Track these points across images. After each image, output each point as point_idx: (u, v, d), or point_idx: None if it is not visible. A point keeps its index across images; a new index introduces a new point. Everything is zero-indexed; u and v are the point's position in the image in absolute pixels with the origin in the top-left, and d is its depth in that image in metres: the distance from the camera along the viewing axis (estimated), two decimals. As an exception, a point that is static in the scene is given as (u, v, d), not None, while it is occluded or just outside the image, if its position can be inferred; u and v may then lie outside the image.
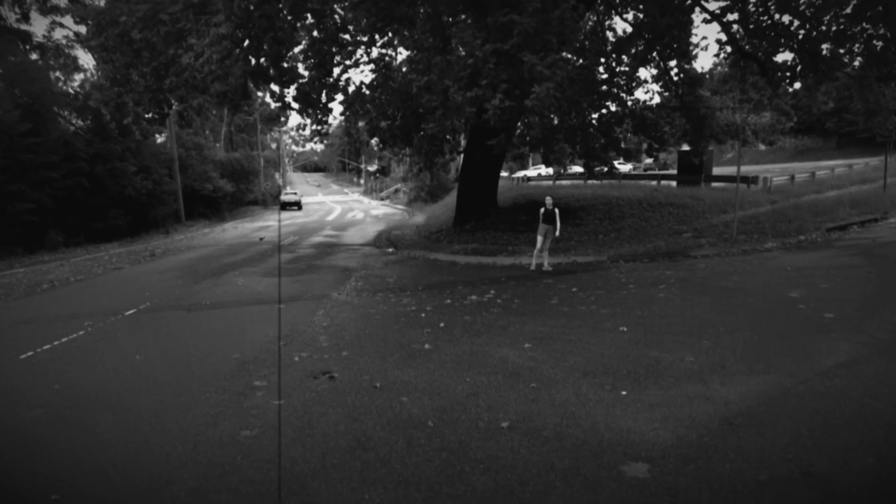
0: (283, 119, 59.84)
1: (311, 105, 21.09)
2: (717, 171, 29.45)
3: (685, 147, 24.92)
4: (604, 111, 20.15)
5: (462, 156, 20.72)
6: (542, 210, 12.62)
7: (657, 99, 21.40)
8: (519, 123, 22.37)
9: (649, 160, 51.95)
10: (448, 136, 21.17)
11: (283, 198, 45.71)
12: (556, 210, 12.61)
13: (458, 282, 11.30)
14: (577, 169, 33.00)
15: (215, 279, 12.51)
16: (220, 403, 4.99)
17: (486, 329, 7.27)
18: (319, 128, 21.64)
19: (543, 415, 4.54)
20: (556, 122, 21.18)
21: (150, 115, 16.49)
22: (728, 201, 21.02)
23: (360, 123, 20.86)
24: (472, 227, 18.90)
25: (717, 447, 3.90)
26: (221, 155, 38.40)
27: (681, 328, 7.00)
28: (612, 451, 3.90)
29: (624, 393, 4.95)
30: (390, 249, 18.28)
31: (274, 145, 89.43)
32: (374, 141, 20.96)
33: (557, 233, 12.70)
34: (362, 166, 74.06)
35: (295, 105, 23.63)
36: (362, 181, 75.09)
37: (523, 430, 4.27)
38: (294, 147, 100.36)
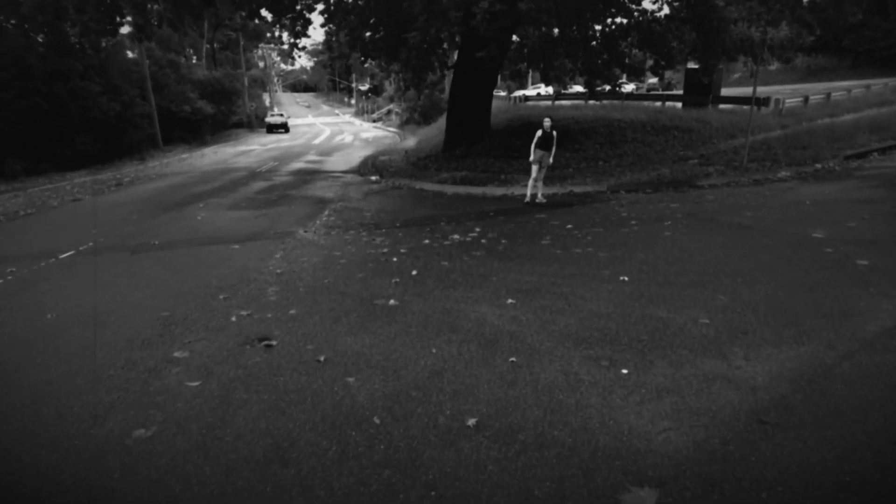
0: (269, 35, 56.34)
1: (283, 13, 19.12)
2: (724, 91, 27.62)
3: (692, 65, 23.11)
4: (608, 22, 18.23)
5: (452, 72, 18.94)
6: (539, 133, 11.22)
7: (666, 10, 19.41)
8: (515, 37, 20.44)
9: (653, 80, 49.36)
10: (438, 49, 19.35)
11: (269, 120, 43.56)
12: (555, 133, 11.25)
13: (441, 217, 10.17)
14: (578, 88, 31.00)
15: (177, 212, 11.34)
16: (121, 385, 3.99)
17: (465, 279, 6.21)
18: (297, 41, 19.81)
19: (522, 406, 3.56)
20: (555, 34, 19.33)
21: (97, 25, 14.60)
22: (737, 125, 19.56)
23: (342, 35, 18.91)
24: (462, 152, 17.50)
25: (748, 461, 2.94)
26: (201, 74, 35.95)
27: (691, 277, 5.96)
28: (609, 468, 2.93)
29: (625, 372, 3.96)
30: (374, 178, 16.99)
31: (262, 64, 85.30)
32: (356, 55, 19.08)
33: (552, 159, 11.43)
34: (353, 85, 70.73)
35: (267, 14, 21.54)
36: (353, 101, 71.98)
37: (495, 430, 3.30)
38: (283, 66, 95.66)
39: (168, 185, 16.03)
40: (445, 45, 19.26)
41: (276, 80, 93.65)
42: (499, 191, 13.19)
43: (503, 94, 54.36)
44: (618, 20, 18.88)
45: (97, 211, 12.19)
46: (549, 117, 12.24)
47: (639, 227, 8.49)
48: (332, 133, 41.63)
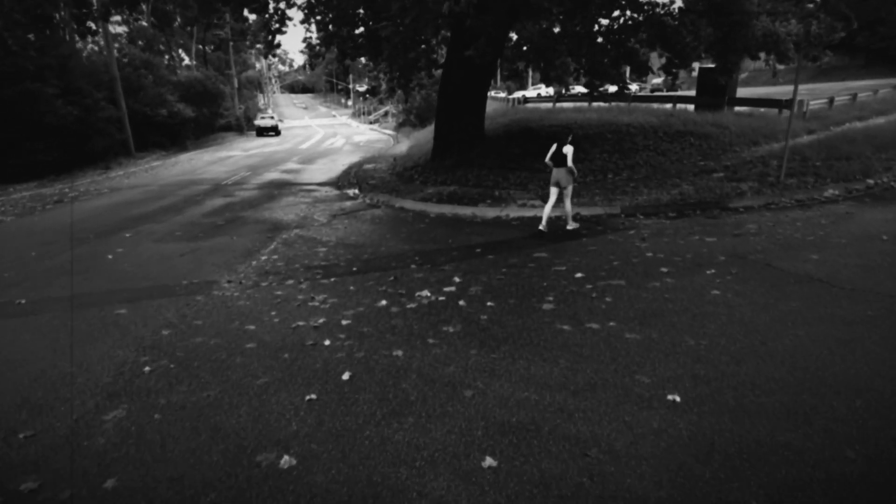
0: (248, 35, 54.29)
1: (259, 12, 16.86)
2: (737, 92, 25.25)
3: (706, 64, 20.81)
4: (616, 15, 15.90)
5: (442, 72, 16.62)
6: (553, 148, 8.98)
7: (680, 2, 17.05)
8: (515, 35, 18.12)
9: (657, 80, 46.84)
10: (420, 45, 17.02)
11: (259, 122, 41.21)
12: (567, 148, 8.83)
13: (414, 255, 7.85)
14: (580, 89, 28.68)
15: (92, 245, 9.05)
16: None
17: (421, 395, 3.90)
18: (271, 38, 17.52)
19: None
20: (556, 29, 16.98)
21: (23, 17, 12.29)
22: (759, 130, 17.23)
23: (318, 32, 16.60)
24: (452, 162, 15.17)
25: None
26: (182, 75, 33.58)
27: (778, 396, 3.65)
28: None
29: None
30: (352, 192, 14.69)
31: (258, 65, 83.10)
32: (331, 54, 16.73)
33: (575, 173, 9.05)
34: (350, 86, 68.42)
35: (249, 15, 19.37)
36: (350, 103, 69.62)
37: None
38: (280, 66, 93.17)
39: (112, 202, 13.71)
40: (433, 41, 16.95)
41: (273, 81, 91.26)
42: (491, 212, 10.88)
43: (503, 95, 52.04)
44: (627, 13, 16.56)
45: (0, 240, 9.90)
46: (569, 126, 9.90)
47: (673, 279, 6.16)
48: (324, 136, 39.32)
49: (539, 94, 41.25)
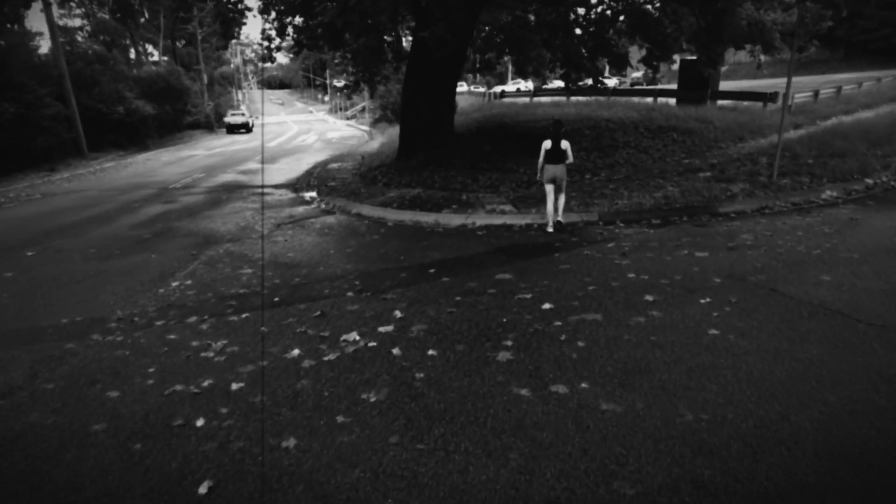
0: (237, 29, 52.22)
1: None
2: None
3: (688, 56, 19.76)
4: (594, 2, 14.72)
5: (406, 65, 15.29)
6: (548, 145, 8.20)
7: (661, -11, 15.91)
8: (487, 26, 16.84)
9: (637, 74, 45.88)
10: (392, 37, 15.72)
11: (229, 120, 39.41)
12: (564, 143, 8.17)
13: (357, 275, 6.58)
14: (559, 84, 27.53)
15: (-17, 266, 7.64)
16: None
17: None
18: (230, 29, 16.12)
19: None
20: (532, 19, 15.75)
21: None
22: (745, 126, 16.21)
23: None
24: (418, 162, 13.89)
25: None
26: (144, 70, 31.68)
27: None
28: None
29: None
30: (309, 195, 13.35)
31: (235, 60, 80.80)
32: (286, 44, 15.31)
33: (565, 181, 8.55)
34: (327, 81, 66.59)
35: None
36: (327, 98, 67.77)
37: None
38: (259, 62, 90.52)
39: (38, 211, 12.22)
40: (398, 31, 15.62)
41: (250, 77, 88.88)
42: (455, 219, 9.63)
43: (482, 89, 50.76)
44: (605, 2, 15.40)
45: None
46: (557, 118, 9.05)
47: (661, 312, 4.97)
48: (297, 133, 37.70)
49: (518, 89, 40.10)
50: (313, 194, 13.41)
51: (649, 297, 5.34)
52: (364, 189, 12.99)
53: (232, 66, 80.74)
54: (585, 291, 5.63)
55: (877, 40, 38.03)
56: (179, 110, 33.65)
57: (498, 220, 9.37)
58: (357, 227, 9.55)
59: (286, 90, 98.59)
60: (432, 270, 6.67)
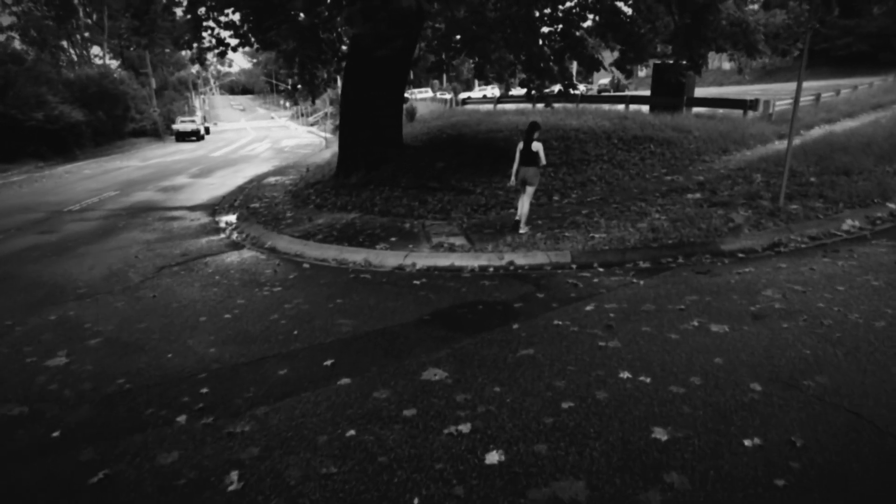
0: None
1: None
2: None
3: (666, 59, 17.90)
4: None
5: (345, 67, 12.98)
6: (520, 147, 7.80)
7: (634, -15, 14.00)
8: (443, 26, 14.66)
9: (604, 80, 44.37)
10: (331, 34, 13.39)
11: (178, 127, 36.32)
12: (536, 144, 7.65)
13: (210, 377, 4.28)
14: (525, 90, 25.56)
15: None
16: None
17: None
18: (140, 24, 13.57)
19: None
20: (490, 16, 13.63)
21: None
22: (727, 135, 14.41)
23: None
24: (359, 179, 11.62)
25: None
26: (76, 73, 28.48)
27: None
28: None
29: None
30: (224, 221, 10.96)
31: (195, 65, 76.94)
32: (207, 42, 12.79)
33: (534, 184, 7.92)
34: (288, 87, 63.49)
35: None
36: (289, 104, 64.76)
37: None
38: (220, 66, 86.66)
39: None
40: (337, 30, 13.30)
41: (212, 82, 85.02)
42: (391, 258, 7.40)
43: (448, 96, 48.62)
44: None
45: None
46: (534, 120, 8.27)
47: (685, 475, 2.80)
48: (250, 140, 34.95)
49: (485, 95, 38.11)
50: (231, 219, 11.02)
51: (661, 434, 3.17)
52: (291, 213, 10.64)
53: (193, 70, 76.94)
54: (557, 413, 3.44)
55: (839, 48, 37.26)
56: (119, 117, 30.48)
57: (444, 261, 7.17)
58: (260, 272, 7.21)
59: (249, 96, 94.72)
60: (329, 362, 4.39)
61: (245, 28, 12.39)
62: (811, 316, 4.73)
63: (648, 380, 3.82)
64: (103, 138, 29.45)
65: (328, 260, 7.68)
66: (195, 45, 11.84)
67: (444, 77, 63.50)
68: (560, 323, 4.91)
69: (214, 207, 12.39)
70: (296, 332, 5.04)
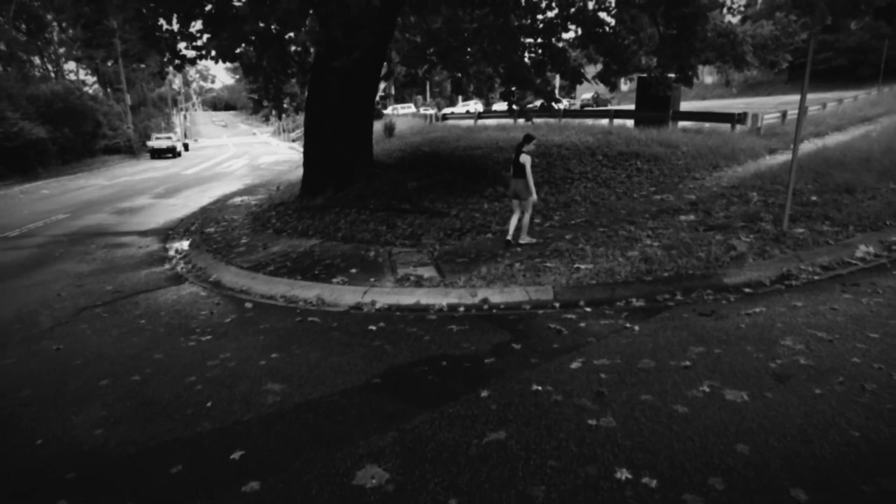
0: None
1: None
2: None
3: (654, 72, 17.26)
4: (539, 5, 11.91)
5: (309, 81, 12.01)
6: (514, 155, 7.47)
7: (616, -5, 13.30)
8: (419, 38, 13.81)
9: (587, 95, 43.95)
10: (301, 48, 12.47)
11: (153, 144, 35.03)
12: (525, 157, 7.31)
13: (79, 480, 3.20)
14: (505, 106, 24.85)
15: None
16: None
17: None
18: (92, 35, 12.57)
19: None
20: (466, 27, 12.79)
21: None
22: (716, 150, 13.68)
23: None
24: (324, 201, 10.63)
25: None
26: (40, 88, 27.17)
27: None
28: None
29: None
30: (175, 248, 9.88)
31: (177, 80, 75.82)
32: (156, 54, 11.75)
33: (533, 196, 7.47)
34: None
35: None
36: (272, 120, 63.70)
37: None
38: (202, 82, 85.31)
39: None
40: (302, 43, 12.35)
41: (194, 97, 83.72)
42: (348, 294, 6.39)
43: (432, 111, 47.97)
44: (552, 12, 12.60)
45: None
46: (528, 132, 7.75)
47: None
48: (228, 157, 33.82)
49: (468, 111, 37.41)
50: (183, 245, 9.94)
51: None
52: (246, 239, 9.59)
53: (175, 86, 75.73)
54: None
55: (818, 63, 37.15)
56: (88, 133, 29.17)
57: (408, 298, 6.17)
58: (194, 315, 6.15)
59: (232, 111, 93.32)
60: (238, 455, 3.34)
61: (200, 39, 11.40)
62: (848, 377, 3.79)
63: (654, 483, 2.84)
64: (71, 156, 28.16)
65: (276, 297, 6.65)
66: (146, 57, 10.80)
67: (428, 92, 62.97)
68: (539, 389, 3.92)
69: (168, 232, 11.30)
70: (209, 405, 3.99)
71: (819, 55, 36.59)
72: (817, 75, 38.28)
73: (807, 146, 14.80)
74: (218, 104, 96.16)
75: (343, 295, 6.44)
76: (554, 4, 12.62)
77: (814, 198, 8.90)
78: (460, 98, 54.90)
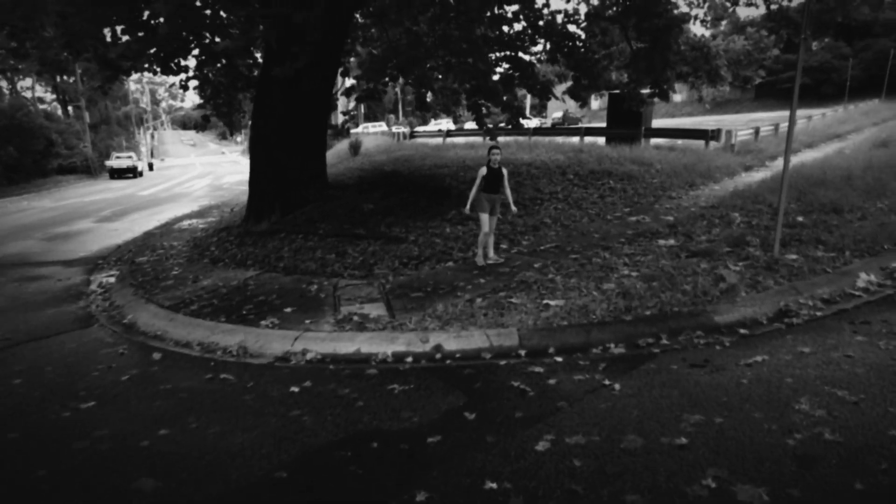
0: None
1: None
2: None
3: (626, 88, 16.69)
4: (507, 15, 11.15)
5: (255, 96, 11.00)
6: (482, 171, 6.94)
7: (584, 7, 12.68)
8: (377, 51, 12.94)
9: (557, 114, 43.78)
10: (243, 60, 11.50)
11: (112, 163, 33.44)
12: (505, 171, 7.03)
13: None
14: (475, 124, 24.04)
15: None
16: None
17: None
18: (18, 45, 11.49)
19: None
20: (426, 40, 11.97)
21: None
22: (691, 168, 13.07)
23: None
24: (270, 226, 9.55)
25: None
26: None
27: None
28: None
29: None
30: (100, 281, 8.69)
31: (144, 99, 74.01)
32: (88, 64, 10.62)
33: (513, 207, 7.31)
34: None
35: None
36: (240, 139, 62.32)
37: None
38: (171, 101, 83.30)
39: None
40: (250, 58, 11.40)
41: (163, 116, 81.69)
42: (277, 341, 5.32)
43: (403, 130, 47.27)
44: (518, 19, 11.87)
45: None
46: (497, 147, 7.19)
47: None
48: (194, 176, 32.44)
49: (441, 129, 36.71)
50: (109, 278, 8.74)
51: None
52: (178, 270, 8.44)
53: (143, 104, 73.83)
54: None
55: (783, 81, 37.69)
56: (39, 152, 27.52)
57: (347, 346, 5.14)
58: (87, 371, 5.01)
59: (202, 131, 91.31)
60: None
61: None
62: (893, 461, 2.88)
63: None
64: (19, 175, 26.49)
65: (192, 345, 5.55)
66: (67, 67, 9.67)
67: (401, 111, 62.39)
68: (495, 486, 2.93)
69: (98, 262, 10.07)
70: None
71: (784, 74, 37.09)
72: (783, 93, 38.77)
73: (782, 163, 14.29)
74: (188, 123, 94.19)
75: (270, 342, 5.38)
76: (521, 17, 11.91)
77: (800, 218, 8.19)
78: (432, 117, 54.42)
